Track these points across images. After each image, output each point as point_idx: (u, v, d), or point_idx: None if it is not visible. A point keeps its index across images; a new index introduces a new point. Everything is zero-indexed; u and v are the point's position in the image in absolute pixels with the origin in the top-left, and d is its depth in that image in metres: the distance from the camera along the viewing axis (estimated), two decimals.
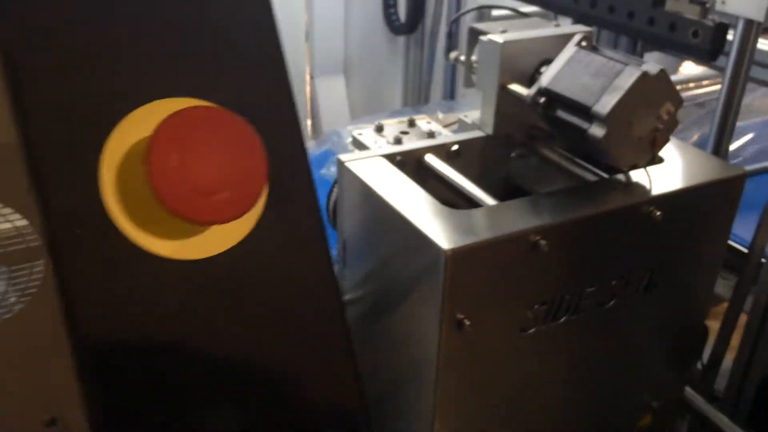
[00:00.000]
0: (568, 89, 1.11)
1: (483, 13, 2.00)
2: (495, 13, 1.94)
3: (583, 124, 1.09)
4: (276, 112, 0.47)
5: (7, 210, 1.24)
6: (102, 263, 0.41)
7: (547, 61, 1.23)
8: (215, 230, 0.44)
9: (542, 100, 1.15)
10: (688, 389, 1.48)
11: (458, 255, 0.93)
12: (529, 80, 1.24)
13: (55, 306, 1.35)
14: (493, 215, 1.04)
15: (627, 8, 1.47)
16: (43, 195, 0.40)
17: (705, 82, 2.68)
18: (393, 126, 1.32)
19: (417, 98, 2.94)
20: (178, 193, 0.37)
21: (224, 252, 0.43)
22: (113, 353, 0.41)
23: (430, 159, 1.23)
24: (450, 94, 2.59)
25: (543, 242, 0.98)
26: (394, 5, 2.80)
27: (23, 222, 1.26)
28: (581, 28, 1.29)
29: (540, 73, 1.23)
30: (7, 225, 1.28)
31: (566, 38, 1.23)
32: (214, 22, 0.46)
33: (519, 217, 1.02)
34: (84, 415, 1.45)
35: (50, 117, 0.42)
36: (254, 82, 0.47)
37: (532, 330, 1.06)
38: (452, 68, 2.53)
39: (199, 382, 0.44)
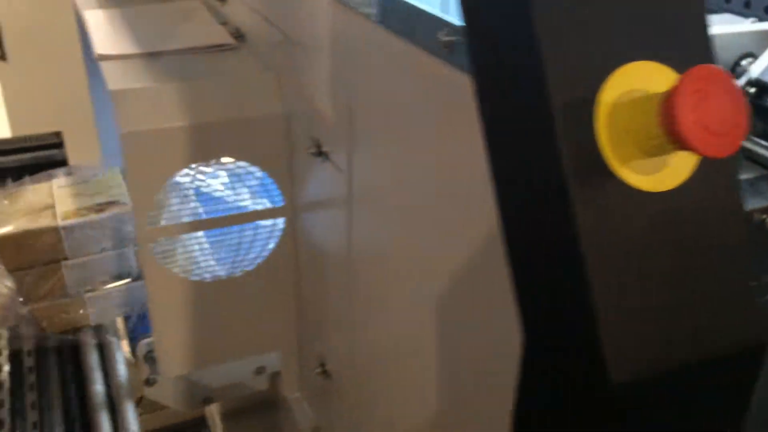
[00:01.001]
0: None
1: None
2: None
3: None
4: None
5: (255, 168, 1.39)
6: (602, 199, 0.51)
7: (748, 55, 1.30)
8: (668, 169, 0.55)
9: (753, 90, 1.22)
10: None
11: None
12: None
13: (290, 263, 1.48)
14: None
15: None
16: (554, 141, 0.50)
17: None
18: None
19: None
20: (695, 132, 0.48)
21: (674, 188, 0.54)
22: (619, 263, 0.51)
23: None
24: None
25: None
26: None
27: (271, 182, 1.40)
28: None
29: (740, 66, 1.30)
30: (255, 182, 1.42)
31: (765, 34, 1.30)
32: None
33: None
34: (296, 367, 1.57)
35: (564, 73, 0.52)
36: (697, 48, 0.58)
37: None
38: None
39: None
